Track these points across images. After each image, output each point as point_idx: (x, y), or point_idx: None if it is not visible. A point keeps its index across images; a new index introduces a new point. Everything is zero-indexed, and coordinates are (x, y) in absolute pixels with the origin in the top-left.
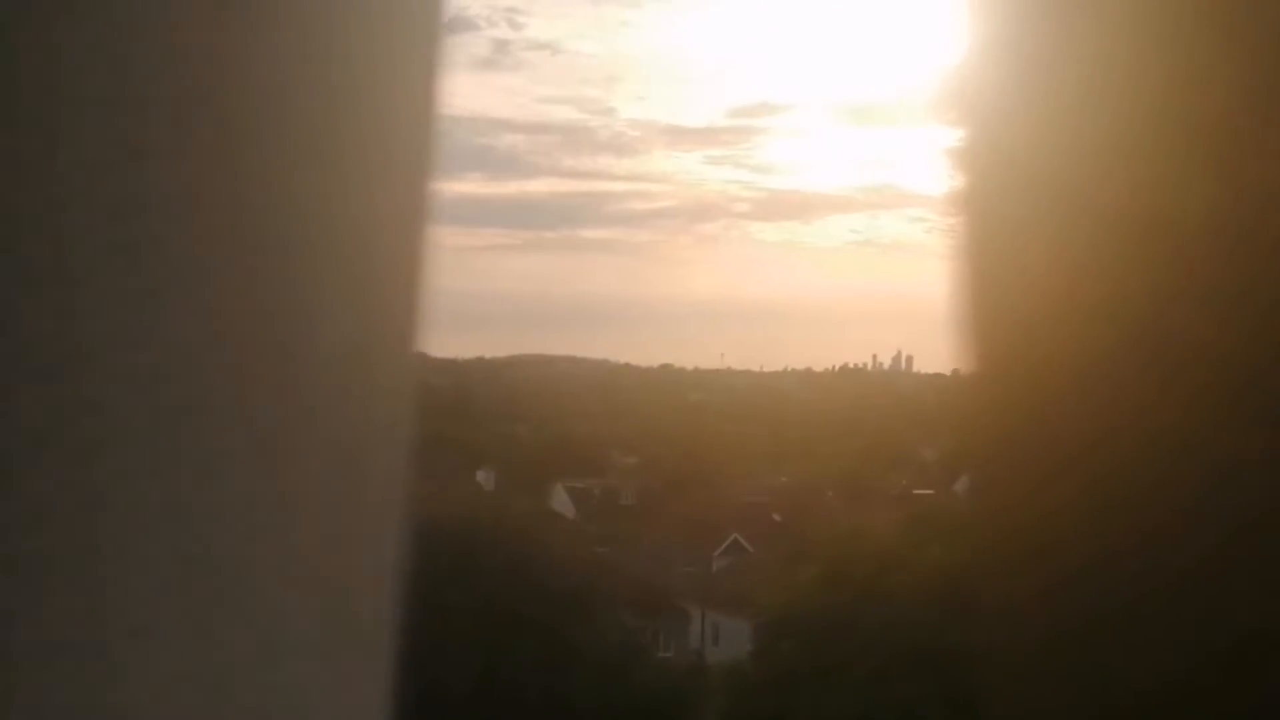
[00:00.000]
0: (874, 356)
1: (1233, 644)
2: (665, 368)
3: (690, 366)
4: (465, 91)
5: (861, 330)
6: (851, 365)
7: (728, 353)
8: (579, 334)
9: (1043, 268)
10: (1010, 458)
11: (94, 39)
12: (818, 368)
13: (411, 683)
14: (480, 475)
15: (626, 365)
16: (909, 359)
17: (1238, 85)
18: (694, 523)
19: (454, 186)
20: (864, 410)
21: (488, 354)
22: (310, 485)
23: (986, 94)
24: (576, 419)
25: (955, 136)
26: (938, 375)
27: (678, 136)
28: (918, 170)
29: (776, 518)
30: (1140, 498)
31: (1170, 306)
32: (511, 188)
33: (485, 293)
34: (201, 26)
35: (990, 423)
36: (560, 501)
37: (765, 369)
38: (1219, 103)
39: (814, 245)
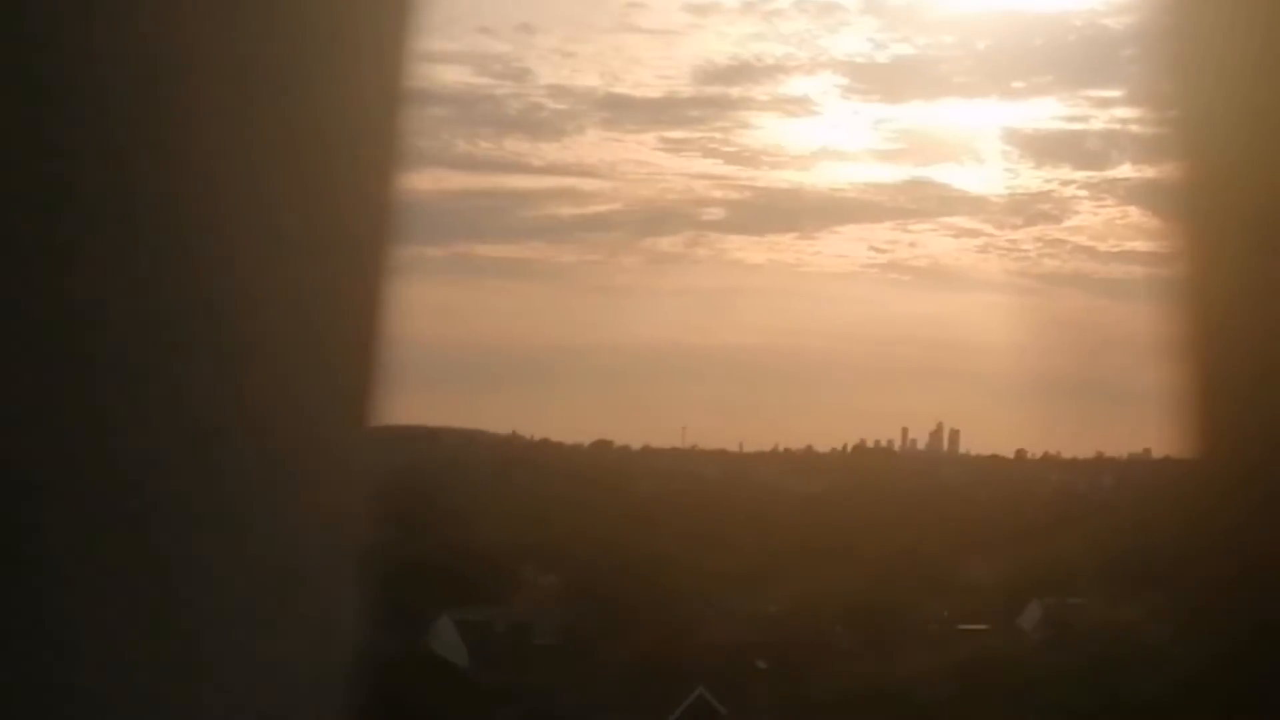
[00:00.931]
0: (904, 432)
1: None
2: (602, 446)
3: (638, 444)
4: None
5: (886, 394)
6: (871, 444)
7: (692, 425)
8: (476, 397)
9: None
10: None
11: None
12: (822, 447)
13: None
14: None
15: (545, 442)
16: (954, 435)
17: None
18: (642, 671)
19: None
20: (889, 509)
21: None
22: (256, 490)
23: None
24: (472, 520)
25: (1164, 164)
26: (994, 459)
27: (622, 111)
28: (971, 162)
29: (761, 664)
30: None
31: None
32: None
33: None
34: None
35: (1221, 519)
36: (447, 641)
37: (746, 448)
38: None
39: (818, 268)
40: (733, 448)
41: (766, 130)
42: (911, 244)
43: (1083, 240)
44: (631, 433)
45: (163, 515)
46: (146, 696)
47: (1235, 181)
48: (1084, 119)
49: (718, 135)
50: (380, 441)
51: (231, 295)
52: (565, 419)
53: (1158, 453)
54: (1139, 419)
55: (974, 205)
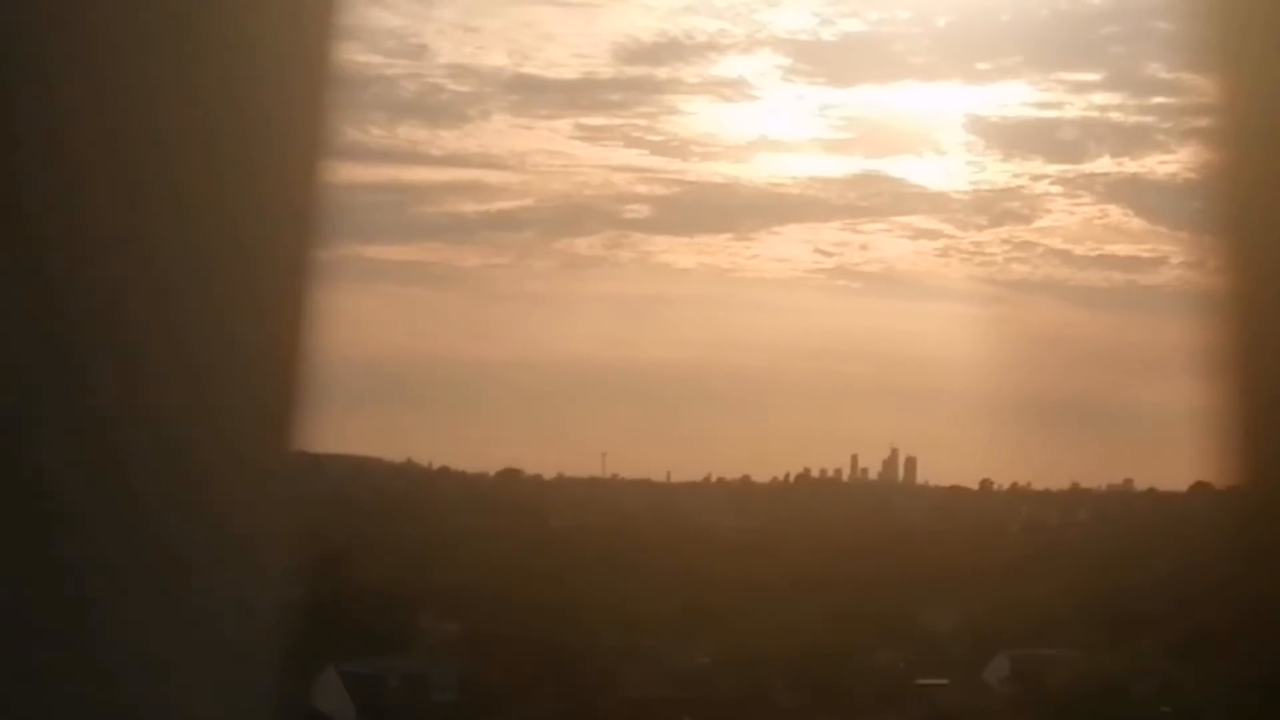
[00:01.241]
0: (853, 459)
1: None
2: (510, 475)
3: (551, 473)
4: None
5: (833, 416)
6: (816, 473)
7: (613, 451)
8: (366, 419)
9: None
10: None
11: None
12: (760, 476)
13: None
14: None
15: (445, 470)
16: (910, 463)
17: None
18: None
19: None
20: (836, 547)
21: None
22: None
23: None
24: (361, 559)
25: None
26: (956, 490)
27: (532, 94)
28: (930, 154)
29: None
30: None
31: None
32: None
33: None
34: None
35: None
36: (332, 697)
37: (674, 478)
38: None
39: (756, 273)
40: (659, 477)
41: (697, 117)
42: (862, 246)
43: (1056, 243)
44: (544, 460)
45: (68, 527)
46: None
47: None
48: (1058, 106)
49: (642, 122)
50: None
51: (144, 303)
52: (468, 444)
53: (1141, 484)
54: (1120, 446)
55: (933, 203)
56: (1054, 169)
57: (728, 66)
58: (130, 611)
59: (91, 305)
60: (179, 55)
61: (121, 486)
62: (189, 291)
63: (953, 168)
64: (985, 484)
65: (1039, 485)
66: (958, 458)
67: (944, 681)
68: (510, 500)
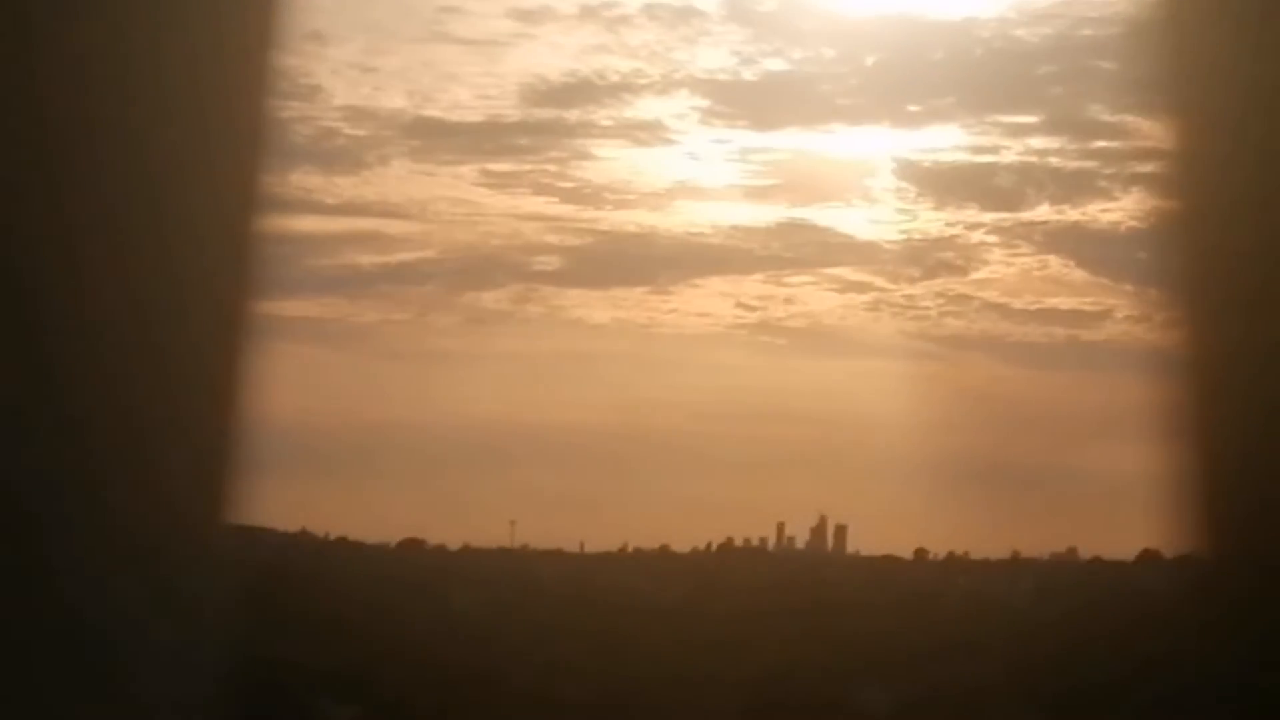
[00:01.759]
0: (779, 528)
1: None
2: (412, 545)
3: (456, 543)
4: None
5: (758, 482)
6: (740, 542)
7: (523, 520)
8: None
9: None
10: None
11: None
12: (680, 546)
13: None
14: None
15: (343, 541)
16: (840, 531)
17: None
18: None
19: None
20: (761, 621)
21: None
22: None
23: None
24: (251, 638)
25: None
26: (889, 560)
27: (434, 138)
28: (859, 202)
29: None
30: None
31: None
32: None
33: None
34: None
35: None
36: None
37: (589, 548)
38: None
39: (674, 329)
40: (572, 547)
41: (611, 162)
42: (787, 300)
43: (993, 296)
44: (448, 529)
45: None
46: None
47: (1242, 224)
48: (993, 150)
49: (552, 168)
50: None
51: (86, 363)
52: (366, 513)
53: (1085, 552)
54: (1062, 512)
55: (862, 253)
56: (990, 217)
57: (643, 108)
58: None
59: (30, 358)
60: (119, 96)
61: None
62: (127, 342)
63: (883, 216)
64: (920, 553)
65: (977, 554)
66: (890, 525)
67: None
68: (412, 573)
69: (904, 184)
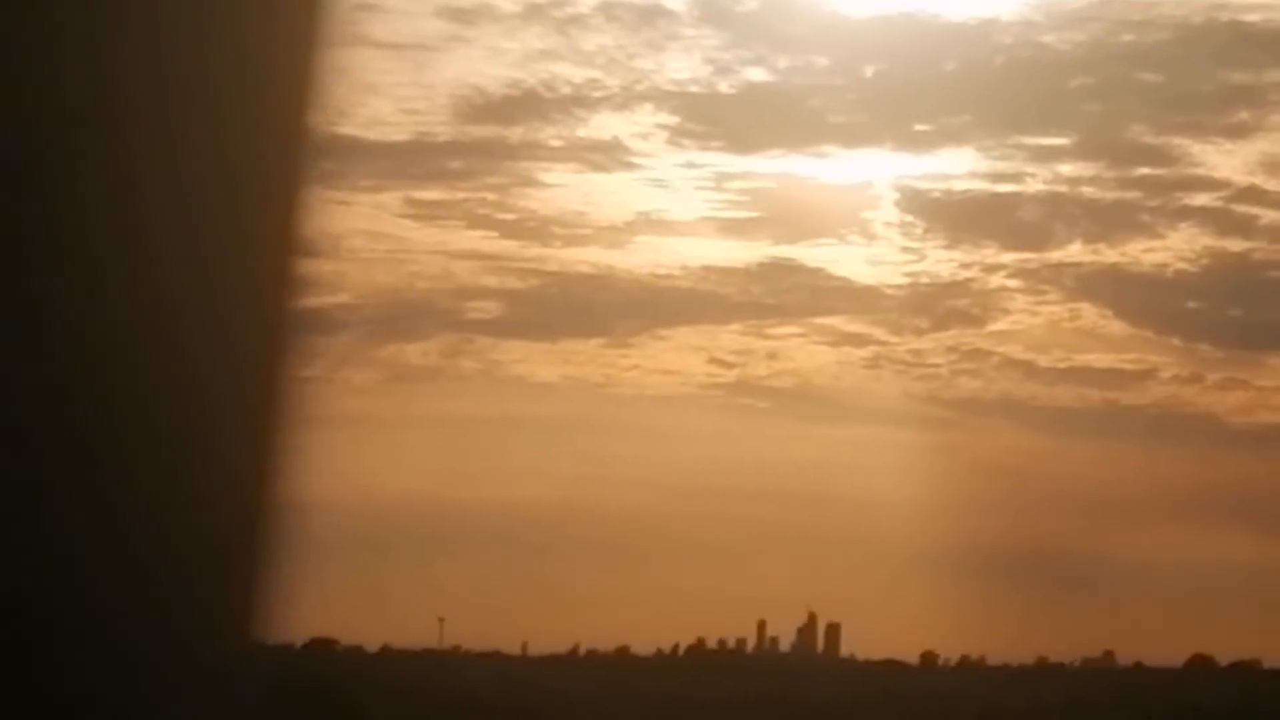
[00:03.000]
0: (760, 626)
1: None
2: (322, 646)
3: (374, 644)
4: None
5: (735, 572)
6: (714, 643)
7: (453, 616)
8: None
9: None
10: None
11: None
12: (642, 648)
13: None
14: None
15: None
16: (832, 631)
17: None
18: None
19: None
20: None
21: None
22: None
23: None
24: None
25: None
26: (891, 664)
27: (351, 161)
28: (856, 238)
29: None
30: None
31: None
32: None
33: None
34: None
35: None
36: None
37: (532, 649)
38: None
39: (635, 389)
40: (513, 649)
41: (561, 190)
42: (770, 355)
43: (1016, 351)
44: (365, 627)
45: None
46: None
47: None
48: (1016, 178)
49: (491, 196)
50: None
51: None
52: (270, 606)
53: (1125, 658)
54: (1098, 610)
55: (860, 300)
56: (1012, 258)
57: (599, 126)
58: None
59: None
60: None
61: None
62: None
63: (885, 256)
64: (928, 657)
65: (995, 659)
66: (892, 624)
67: None
68: (321, 680)
69: (910, 218)
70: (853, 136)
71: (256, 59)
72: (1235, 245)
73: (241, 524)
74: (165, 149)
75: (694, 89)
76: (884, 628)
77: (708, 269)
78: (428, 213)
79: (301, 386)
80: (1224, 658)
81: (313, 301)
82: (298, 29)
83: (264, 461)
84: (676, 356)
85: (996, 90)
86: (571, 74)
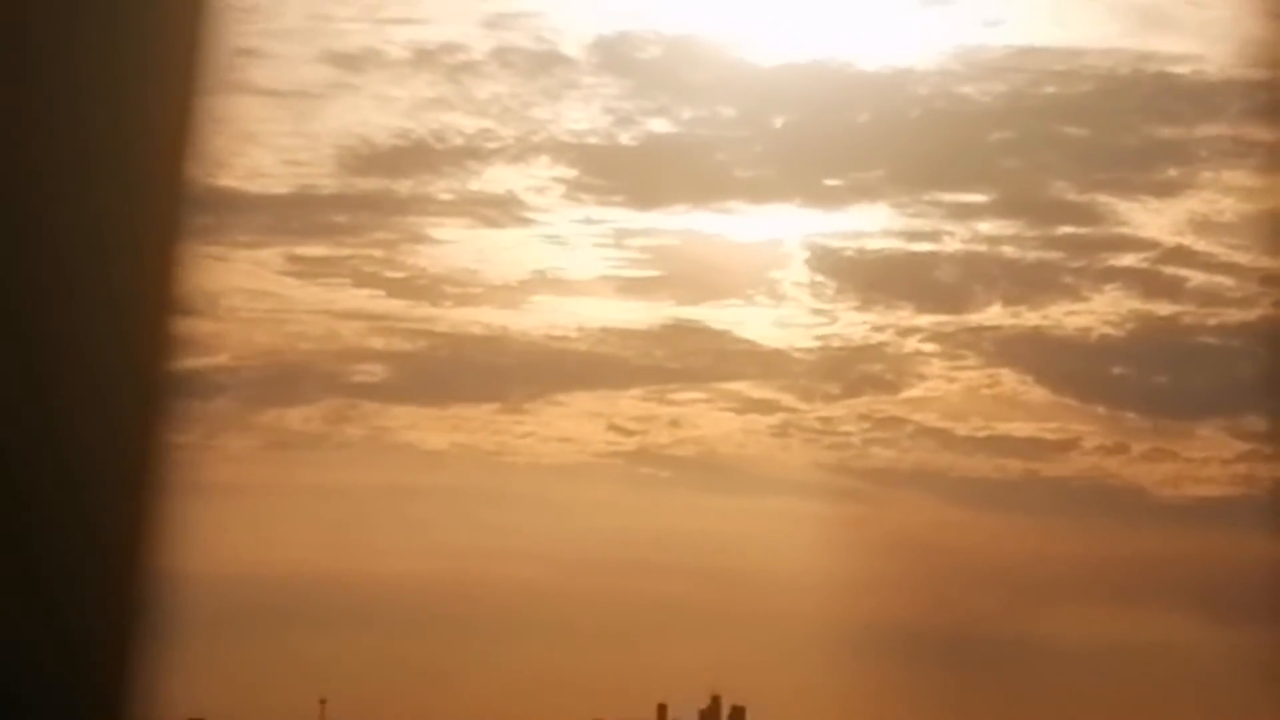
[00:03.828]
0: (661, 711)
1: None
2: None
3: None
4: None
5: (634, 651)
6: None
7: (335, 698)
8: None
9: None
10: None
11: None
12: None
13: None
14: None
15: None
16: (737, 714)
17: None
18: None
19: None
20: None
21: None
22: None
23: None
24: None
25: None
26: None
27: (228, 214)
28: (763, 299)
29: None
30: None
31: None
32: None
33: None
34: None
35: None
36: None
37: None
38: None
39: (530, 457)
40: None
41: (452, 246)
42: (673, 422)
43: (932, 419)
44: (242, 708)
45: None
46: None
47: None
48: (933, 236)
49: (377, 253)
50: None
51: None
52: (140, 686)
53: None
54: (1026, 696)
55: (767, 364)
56: (928, 320)
57: (493, 179)
58: None
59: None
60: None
61: None
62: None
63: (794, 318)
64: None
65: None
66: (800, 708)
67: None
68: None
69: (820, 277)
70: (760, 191)
71: (131, 105)
72: (1163, 309)
73: (111, 597)
74: (35, 199)
75: (593, 140)
76: (791, 711)
77: (607, 331)
78: (311, 270)
79: (176, 452)
80: None
81: (189, 363)
82: (175, 74)
83: (136, 531)
84: (573, 423)
85: (912, 144)
86: (463, 124)
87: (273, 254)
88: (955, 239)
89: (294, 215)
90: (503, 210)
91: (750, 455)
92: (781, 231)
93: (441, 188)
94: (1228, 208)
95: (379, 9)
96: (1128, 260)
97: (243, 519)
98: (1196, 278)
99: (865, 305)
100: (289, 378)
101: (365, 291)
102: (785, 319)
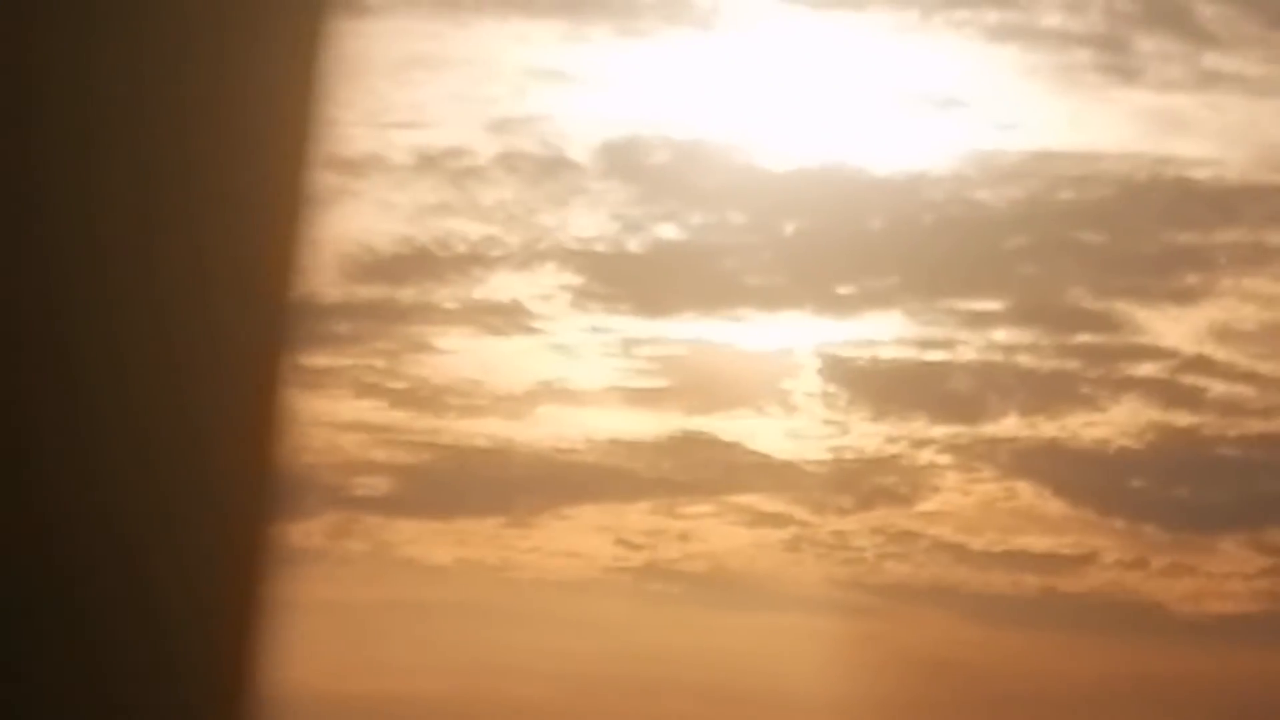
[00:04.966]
0: None
1: None
2: None
3: None
4: None
5: None
6: None
7: None
8: None
9: None
10: None
11: None
12: None
13: None
14: None
15: None
16: None
17: None
18: None
19: None
20: None
21: None
22: None
23: None
24: None
25: None
26: None
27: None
28: (774, 410)
29: None
30: None
31: None
32: None
33: None
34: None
35: None
36: None
37: None
38: None
39: (536, 572)
40: None
41: (456, 356)
42: (682, 536)
43: (946, 533)
44: None
45: None
46: None
47: None
48: (947, 345)
49: (379, 363)
50: None
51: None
52: None
53: None
54: None
55: (779, 477)
56: (942, 431)
57: (498, 287)
58: None
59: None
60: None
61: None
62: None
63: (805, 429)
64: None
65: None
66: None
67: None
68: None
69: (832, 387)
70: (771, 299)
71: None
72: (1183, 419)
73: None
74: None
75: (600, 247)
76: None
77: (614, 442)
78: (312, 380)
79: None
80: None
81: None
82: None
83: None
84: (580, 537)
85: (926, 250)
86: (468, 230)
87: None
88: (970, 348)
89: (294, 324)
90: (508, 319)
91: (761, 570)
92: (792, 340)
93: (445, 296)
94: (1249, 315)
95: (382, 113)
96: (1146, 369)
97: None
98: (1217, 387)
99: (878, 416)
100: (289, 491)
101: (367, 402)
102: (797, 430)
